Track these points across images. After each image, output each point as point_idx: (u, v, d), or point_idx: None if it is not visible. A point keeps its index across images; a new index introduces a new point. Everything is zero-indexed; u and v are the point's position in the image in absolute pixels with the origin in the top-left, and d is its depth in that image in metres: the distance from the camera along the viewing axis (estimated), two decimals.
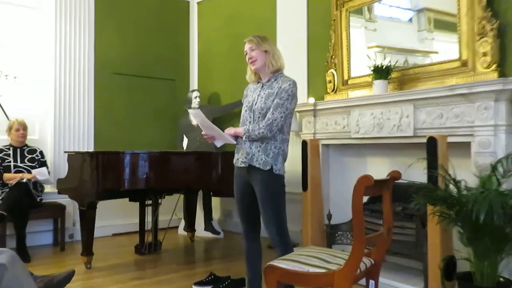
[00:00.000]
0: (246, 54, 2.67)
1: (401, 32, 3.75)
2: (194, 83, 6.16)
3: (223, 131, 2.64)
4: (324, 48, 4.34)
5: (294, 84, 2.55)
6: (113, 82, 5.47)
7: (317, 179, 3.99)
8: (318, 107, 4.13)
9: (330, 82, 4.23)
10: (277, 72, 2.63)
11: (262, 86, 2.64)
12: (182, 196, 5.10)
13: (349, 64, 4.12)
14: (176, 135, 5.73)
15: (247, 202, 2.67)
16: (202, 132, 2.68)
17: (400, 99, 3.40)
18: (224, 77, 5.74)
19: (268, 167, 2.52)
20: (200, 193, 5.21)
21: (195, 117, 2.66)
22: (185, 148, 5.53)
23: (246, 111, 2.65)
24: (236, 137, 2.66)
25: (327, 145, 4.24)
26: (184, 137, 5.61)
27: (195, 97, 5.54)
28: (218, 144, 2.70)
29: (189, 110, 2.68)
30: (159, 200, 4.47)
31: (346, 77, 4.14)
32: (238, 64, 5.47)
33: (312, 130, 4.20)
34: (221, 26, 5.81)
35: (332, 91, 4.21)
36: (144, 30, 5.73)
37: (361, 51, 4.00)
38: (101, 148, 5.16)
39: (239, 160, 2.65)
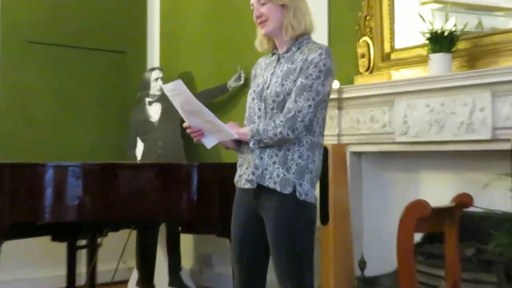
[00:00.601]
0: (253, 8, 2.64)
1: None
2: (153, 58, 6.16)
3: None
4: (354, 5, 4.33)
5: (327, 53, 2.53)
6: (27, 56, 5.43)
7: (343, 206, 3.99)
8: (345, 95, 4.12)
9: (363, 56, 4.23)
10: (302, 37, 2.62)
11: (279, 60, 2.64)
12: (134, 233, 5.06)
13: (392, 28, 4.12)
14: (125, 138, 5.72)
15: (250, 245, 2.65)
16: (185, 124, 2.55)
17: (471, 82, 3.40)
18: (200, 49, 5.73)
19: (289, 189, 2.50)
20: (163, 228, 5.19)
21: (174, 93, 2.49)
22: (139, 157, 5.50)
23: (253, 99, 2.64)
24: (239, 142, 2.62)
25: (358, 154, 4.24)
26: (139, 140, 5.57)
27: (156, 79, 5.52)
28: (210, 142, 2.60)
29: (164, 86, 2.54)
30: (99, 240, 4.43)
31: (387, 49, 4.13)
32: (223, 29, 5.46)
33: (336, 131, 4.20)
34: None
35: (367, 70, 4.21)
36: None
37: (411, 9, 4.00)
38: (8, 157, 5.05)
39: (242, 177, 2.62)
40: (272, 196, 2.51)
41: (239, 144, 2.64)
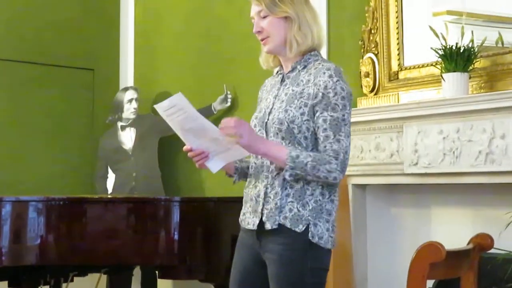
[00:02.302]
0: (253, 22, 2.65)
1: None
2: (127, 76, 6.19)
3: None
4: (357, 16, 4.36)
5: (337, 73, 2.53)
6: None
7: (345, 247, 3.97)
8: None
9: (367, 75, 4.24)
10: (309, 52, 2.62)
11: (283, 80, 2.66)
12: (104, 277, 5.04)
13: (400, 44, 4.13)
14: (94, 168, 5.71)
15: None
16: (185, 148, 2.52)
17: (490, 106, 3.39)
18: (180, 67, 5.75)
19: (301, 227, 2.48)
20: (137, 272, 5.17)
21: (172, 110, 2.42)
22: (110, 191, 5.49)
23: (255, 126, 2.63)
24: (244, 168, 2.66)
25: (362, 187, 4.24)
26: (110, 171, 5.56)
27: (129, 100, 5.52)
28: (216, 166, 2.55)
29: (159, 104, 2.46)
30: (64, 286, 4.42)
31: (395, 67, 4.14)
32: (207, 44, 5.48)
33: None
34: None
35: (371, 91, 4.22)
36: None
37: (422, 21, 4.00)
38: None
39: (246, 216, 2.61)
40: (279, 236, 2.48)
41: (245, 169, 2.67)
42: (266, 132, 2.57)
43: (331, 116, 2.47)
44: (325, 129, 2.48)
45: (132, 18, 6.22)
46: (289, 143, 2.50)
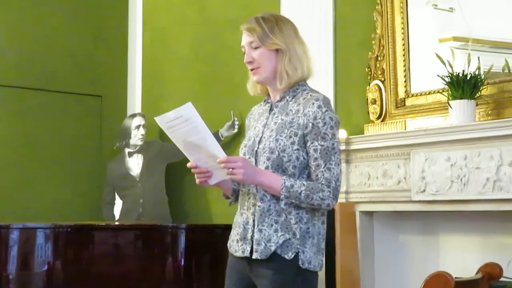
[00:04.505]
0: (244, 51, 2.68)
1: (497, 14, 3.77)
2: (134, 102, 6.19)
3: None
4: (364, 44, 4.37)
5: (326, 104, 2.59)
6: None
7: (353, 274, 3.96)
8: (354, 147, 4.13)
9: (374, 102, 4.24)
10: (297, 83, 2.67)
11: (271, 109, 2.69)
12: None
13: (407, 71, 4.14)
14: (101, 194, 5.70)
15: None
16: (189, 164, 2.52)
17: (498, 133, 3.39)
18: (187, 93, 5.75)
19: (291, 254, 2.52)
20: None
21: (178, 121, 2.41)
22: (117, 217, 5.47)
23: (245, 154, 2.66)
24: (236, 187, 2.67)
25: (369, 214, 4.23)
26: (117, 197, 5.55)
27: (137, 127, 5.53)
28: (213, 180, 2.58)
29: (165, 115, 2.46)
30: None
31: (402, 95, 4.15)
32: (214, 70, 5.49)
33: (344, 188, 4.18)
34: (183, 6, 5.88)
35: (378, 118, 4.22)
36: (50, 13, 5.80)
37: (428, 48, 4.02)
38: None
39: (234, 243, 2.64)
40: (269, 262, 2.52)
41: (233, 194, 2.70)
42: (256, 160, 2.60)
43: (321, 145, 2.54)
44: (316, 158, 2.54)
45: (140, 45, 6.25)
46: (277, 171, 2.54)
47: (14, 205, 5.46)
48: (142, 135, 5.49)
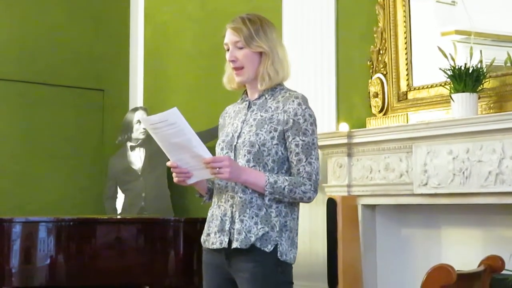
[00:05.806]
0: (228, 49, 2.72)
1: (499, 7, 3.77)
2: (136, 96, 6.20)
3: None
4: (366, 37, 4.37)
5: (305, 101, 2.68)
6: None
7: (355, 267, 3.96)
8: (356, 140, 4.12)
9: (376, 96, 4.25)
10: (277, 85, 2.74)
11: (249, 106, 2.74)
12: None
13: (409, 64, 4.14)
14: (103, 188, 5.72)
15: None
16: (169, 163, 2.57)
17: (500, 126, 3.39)
18: (190, 87, 5.76)
19: (270, 247, 2.56)
20: None
21: (164, 123, 2.46)
22: (119, 211, 5.48)
23: (222, 149, 2.71)
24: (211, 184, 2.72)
25: (371, 207, 4.23)
26: (119, 191, 5.56)
27: (139, 121, 5.52)
28: (191, 180, 2.63)
29: (150, 117, 2.55)
30: None
31: (404, 88, 4.16)
32: (216, 64, 5.47)
33: (346, 181, 4.20)
34: (184, 1, 5.88)
35: (380, 111, 4.23)
36: (52, 7, 5.81)
37: (431, 41, 4.02)
38: None
39: (211, 236, 2.66)
40: (248, 255, 2.56)
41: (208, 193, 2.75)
42: (235, 154, 2.65)
43: (303, 140, 2.62)
44: (297, 153, 2.62)
45: (142, 39, 6.25)
46: (257, 165, 2.60)
47: (17, 199, 5.47)
48: (144, 129, 5.48)
